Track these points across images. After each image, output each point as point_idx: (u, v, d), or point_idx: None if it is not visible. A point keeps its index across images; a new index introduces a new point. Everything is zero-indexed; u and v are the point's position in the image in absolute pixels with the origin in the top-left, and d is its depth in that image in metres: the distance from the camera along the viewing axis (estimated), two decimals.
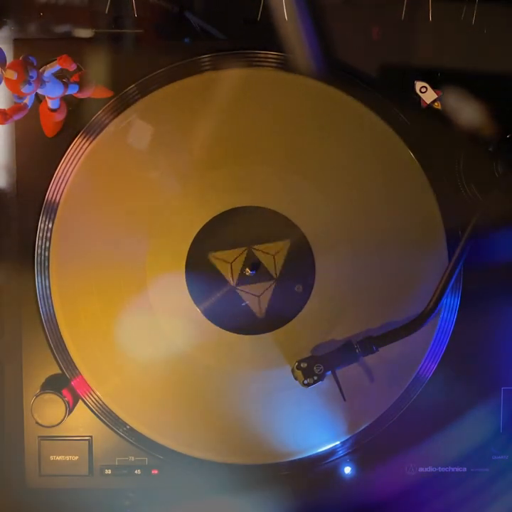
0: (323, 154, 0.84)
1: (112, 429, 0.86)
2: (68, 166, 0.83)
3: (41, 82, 0.69)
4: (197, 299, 0.84)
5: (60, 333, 0.84)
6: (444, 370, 0.85)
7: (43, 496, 0.98)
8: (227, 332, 0.84)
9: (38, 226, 0.84)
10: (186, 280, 0.84)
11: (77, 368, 0.85)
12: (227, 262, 0.83)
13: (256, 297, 0.84)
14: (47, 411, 0.82)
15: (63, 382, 0.84)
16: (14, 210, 0.88)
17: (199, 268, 0.83)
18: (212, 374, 0.85)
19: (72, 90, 0.76)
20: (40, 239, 0.84)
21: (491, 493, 0.98)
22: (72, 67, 0.71)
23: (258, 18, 0.88)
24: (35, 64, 0.67)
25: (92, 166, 0.84)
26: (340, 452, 0.86)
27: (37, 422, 0.83)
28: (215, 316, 0.84)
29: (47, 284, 0.84)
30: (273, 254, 0.84)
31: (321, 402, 0.84)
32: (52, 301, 0.84)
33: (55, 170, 0.84)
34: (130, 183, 0.84)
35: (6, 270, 0.91)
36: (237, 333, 0.84)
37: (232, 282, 0.84)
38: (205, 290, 0.84)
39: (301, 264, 0.84)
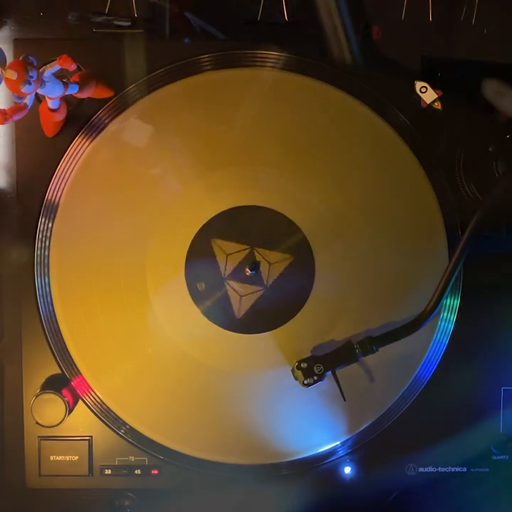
0: (323, 154, 0.84)
1: (111, 429, 0.86)
2: (68, 166, 0.83)
3: (41, 82, 0.69)
4: (197, 298, 0.84)
5: (60, 333, 0.84)
6: (444, 370, 0.85)
7: (43, 496, 0.98)
8: (228, 332, 0.84)
9: (38, 226, 0.84)
10: (186, 280, 0.84)
11: (77, 367, 0.85)
12: (225, 252, 0.83)
13: (239, 296, 0.84)
14: (47, 411, 0.82)
15: (63, 382, 0.84)
16: (14, 210, 0.88)
17: (200, 250, 0.83)
18: (212, 374, 0.85)
19: (72, 90, 0.76)
20: (40, 239, 0.84)
21: (491, 493, 0.98)
22: (72, 67, 0.71)
23: (258, 18, 0.88)
24: (35, 64, 0.67)
25: (92, 166, 0.84)
26: (340, 452, 0.87)
27: (37, 422, 0.83)
28: (214, 316, 0.84)
29: (47, 284, 0.84)
30: (272, 262, 0.84)
31: (321, 402, 0.85)
32: (52, 301, 0.84)
33: (55, 170, 0.84)
34: (130, 183, 0.84)
35: (6, 270, 0.91)
36: (237, 332, 0.84)
37: (223, 273, 0.84)
38: (198, 273, 0.84)
39: (294, 283, 0.84)
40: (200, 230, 0.83)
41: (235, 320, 0.84)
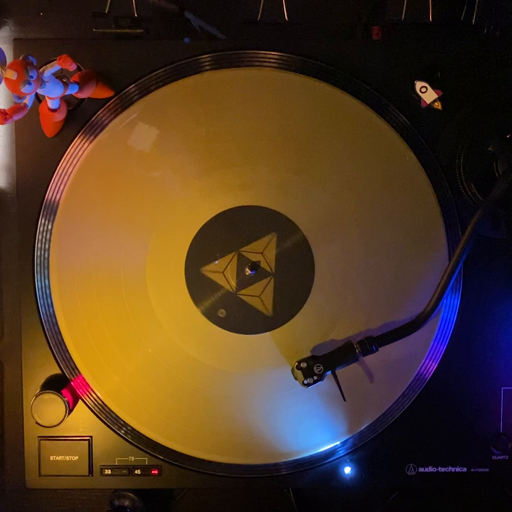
0: (323, 154, 0.84)
1: (111, 429, 0.86)
2: (68, 166, 0.83)
3: (41, 82, 0.69)
4: (197, 299, 0.84)
5: (60, 333, 0.85)
6: (444, 370, 0.86)
7: (43, 496, 0.98)
8: (227, 332, 0.84)
9: (38, 226, 0.84)
10: (186, 280, 0.84)
11: (77, 368, 0.85)
12: (220, 272, 0.84)
13: (257, 298, 0.84)
14: (47, 411, 0.82)
15: (63, 382, 0.84)
16: (14, 210, 0.88)
17: (198, 284, 0.84)
18: (212, 374, 0.85)
19: (72, 90, 0.76)
20: (40, 239, 0.84)
21: (491, 493, 0.98)
22: (72, 67, 0.71)
23: (258, 18, 0.88)
24: (35, 64, 0.67)
25: (92, 166, 0.84)
26: (340, 452, 0.86)
27: (37, 422, 0.82)
28: (214, 317, 0.84)
29: (47, 284, 0.84)
30: (261, 251, 0.84)
31: (321, 402, 0.85)
32: (52, 301, 0.84)
33: (55, 170, 0.84)
34: (130, 183, 0.84)
35: (6, 270, 0.92)
36: (237, 333, 0.84)
37: (232, 289, 0.84)
38: (211, 303, 0.84)
39: (293, 251, 0.84)
40: (185, 263, 0.83)
41: (270, 318, 0.84)
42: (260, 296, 0.84)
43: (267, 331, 0.84)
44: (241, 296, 0.84)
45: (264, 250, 0.84)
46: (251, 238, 0.84)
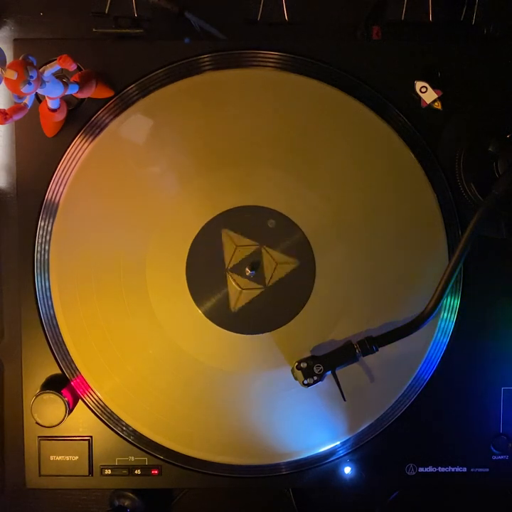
0: (323, 154, 0.84)
1: (111, 429, 0.86)
2: (68, 166, 0.83)
3: (41, 82, 0.69)
4: (197, 299, 0.84)
5: (60, 333, 0.85)
6: (444, 371, 0.86)
7: (43, 496, 0.98)
8: (228, 332, 0.84)
9: (38, 226, 0.84)
10: (187, 280, 0.84)
11: (77, 368, 0.85)
12: (235, 244, 0.83)
13: (239, 289, 0.84)
14: (47, 411, 0.82)
15: (63, 382, 0.84)
16: (14, 210, 0.88)
17: (208, 237, 0.83)
18: (212, 374, 0.85)
19: (72, 90, 0.76)
20: (40, 239, 0.84)
21: (491, 493, 0.98)
22: (72, 67, 0.71)
23: (258, 18, 0.88)
24: (35, 64, 0.67)
25: (92, 166, 0.84)
26: (340, 452, 0.86)
27: (37, 422, 0.82)
28: (214, 316, 0.84)
29: (47, 285, 0.84)
30: (277, 263, 0.84)
31: (321, 402, 0.85)
32: (52, 301, 0.84)
33: (55, 170, 0.84)
34: (130, 183, 0.84)
35: (6, 270, 0.92)
36: (237, 333, 0.84)
37: (227, 265, 0.84)
38: (202, 261, 0.84)
39: (293, 289, 0.84)
40: (213, 218, 0.83)
41: (229, 313, 0.84)
42: (242, 297, 0.84)
43: (267, 331, 0.84)
44: (245, 291, 0.84)
45: (265, 250, 0.84)
46: (251, 238, 0.84)
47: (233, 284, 0.84)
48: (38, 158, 0.84)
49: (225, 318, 0.84)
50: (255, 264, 0.84)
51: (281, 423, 0.85)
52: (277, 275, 0.84)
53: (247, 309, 0.84)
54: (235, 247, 0.84)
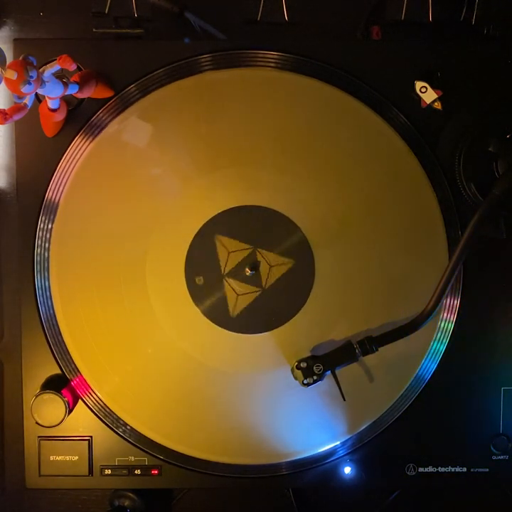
0: (322, 154, 0.84)
1: (111, 429, 0.86)
2: (68, 166, 0.83)
3: (41, 82, 0.69)
4: (197, 298, 0.84)
5: (60, 333, 0.85)
6: (444, 370, 0.85)
7: (43, 496, 0.98)
8: (228, 332, 0.84)
9: (38, 226, 0.84)
10: (186, 280, 0.84)
11: (77, 367, 0.85)
12: (228, 249, 0.84)
13: (235, 295, 0.84)
14: (47, 411, 0.82)
15: (63, 382, 0.84)
16: (14, 210, 0.88)
17: (202, 244, 0.83)
18: (212, 374, 0.85)
19: (72, 90, 0.76)
20: (40, 239, 0.84)
21: (491, 493, 0.98)
22: (72, 67, 0.71)
23: (258, 18, 0.88)
24: (35, 64, 0.67)
25: (92, 166, 0.84)
26: (340, 452, 0.86)
27: (37, 422, 0.82)
28: (214, 316, 0.84)
29: (47, 284, 0.84)
30: (272, 265, 0.84)
31: (321, 402, 0.85)
32: (52, 301, 0.84)
33: (55, 170, 0.84)
34: (130, 183, 0.84)
35: (6, 270, 0.92)
36: (237, 332, 0.84)
37: (223, 271, 0.84)
38: (198, 268, 0.84)
39: (291, 288, 0.84)
40: (204, 224, 0.83)
41: (229, 318, 0.84)
42: (240, 301, 0.84)
43: (267, 331, 0.84)
44: (241, 296, 0.84)
45: (265, 250, 0.84)
46: (251, 238, 0.84)
47: (230, 289, 0.84)
48: (38, 158, 0.84)
49: (224, 318, 0.84)
50: (255, 264, 0.84)
51: (281, 423, 0.85)
52: (273, 277, 0.84)
53: (247, 312, 0.84)
54: (227, 252, 0.84)
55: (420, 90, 0.82)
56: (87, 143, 0.83)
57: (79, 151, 0.83)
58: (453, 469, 0.87)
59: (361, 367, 0.84)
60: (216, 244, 0.84)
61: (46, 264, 0.84)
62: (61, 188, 0.84)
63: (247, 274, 0.84)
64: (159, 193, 0.84)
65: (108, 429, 0.86)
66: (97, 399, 0.85)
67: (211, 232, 0.83)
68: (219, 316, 0.84)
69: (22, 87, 0.66)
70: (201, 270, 0.84)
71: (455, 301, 0.85)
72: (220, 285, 0.84)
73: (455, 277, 0.80)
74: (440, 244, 0.84)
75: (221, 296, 0.84)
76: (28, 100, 0.70)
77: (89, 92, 0.80)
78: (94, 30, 0.86)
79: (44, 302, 0.84)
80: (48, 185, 0.84)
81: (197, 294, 0.84)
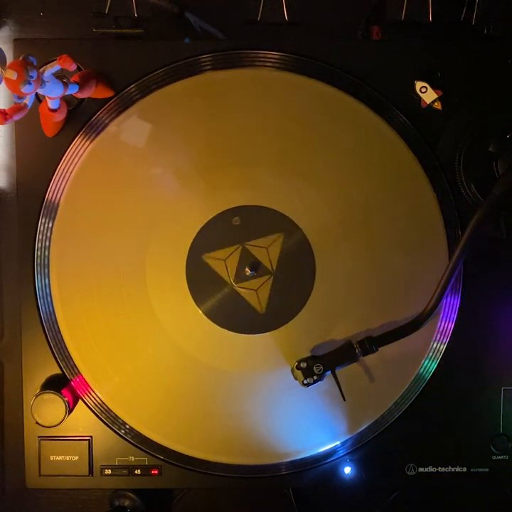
0: (323, 154, 0.84)
1: (111, 429, 0.86)
2: (68, 166, 0.83)
3: (41, 82, 0.69)
4: (197, 298, 0.84)
5: (60, 333, 0.85)
6: (444, 370, 0.85)
7: (43, 496, 0.99)
8: (227, 332, 0.84)
9: (38, 226, 0.84)
10: (187, 280, 0.84)
11: (77, 368, 0.85)
12: (221, 259, 0.84)
13: (253, 292, 0.84)
14: (47, 411, 0.82)
15: (63, 382, 0.84)
16: (14, 210, 0.88)
17: (197, 271, 0.84)
18: (212, 374, 0.85)
19: (72, 90, 0.76)
20: (40, 239, 0.84)
21: (491, 493, 0.98)
22: (72, 67, 0.71)
23: (258, 18, 0.88)
24: (35, 64, 0.67)
25: (92, 166, 0.84)
26: (340, 452, 0.86)
27: (37, 422, 0.82)
28: (215, 316, 0.84)
29: (47, 284, 0.84)
30: (266, 247, 0.84)
31: (321, 402, 0.85)
32: (52, 301, 0.84)
33: (55, 170, 0.84)
34: (130, 183, 0.84)
35: (6, 270, 0.92)
36: (237, 332, 0.84)
37: (230, 280, 0.84)
38: (206, 292, 0.84)
39: (297, 255, 0.84)
40: (190, 247, 0.83)
41: (261, 315, 0.84)
42: (261, 295, 0.84)
43: (267, 331, 0.84)
44: (242, 296, 0.84)
45: (265, 250, 0.84)
46: (251, 238, 0.84)
47: (246, 292, 0.84)
48: (38, 158, 0.84)
49: (225, 318, 0.84)
50: (253, 263, 0.84)
51: (281, 423, 0.85)
52: (274, 257, 0.84)
53: (273, 302, 0.84)
54: (223, 262, 0.84)
55: (420, 90, 0.82)
56: (87, 143, 0.83)
57: (79, 151, 0.83)
58: (453, 469, 0.87)
59: (361, 367, 0.84)
60: (208, 263, 0.84)
61: (46, 264, 0.84)
62: (61, 188, 0.84)
63: (248, 274, 0.84)
64: (159, 192, 0.84)
65: (108, 429, 0.86)
66: (97, 399, 0.85)
67: (198, 254, 0.84)
68: (220, 315, 0.84)
69: (22, 87, 0.66)
70: (217, 301, 0.84)
71: (455, 301, 0.85)
72: (236, 295, 0.84)
73: (455, 277, 0.80)
74: (440, 244, 0.84)
75: (242, 302, 0.84)
76: (28, 100, 0.70)
77: (89, 92, 0.80)
78: (94, 30, 0.86)
79: (44, 302, 0.84)
80: (48, 185, 0.84)
81: (198, 291, 0.84)
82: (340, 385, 0.82)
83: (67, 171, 0.83)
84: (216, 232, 0.84)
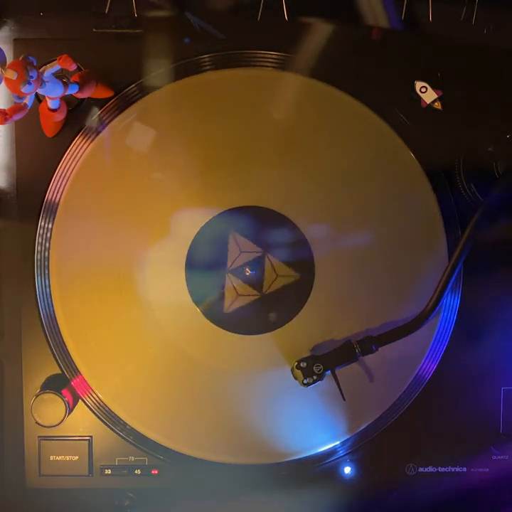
0: (323, 154, 0.84)
1: (111, 429, 0.86)
2: (68, 166, 0.83)
3: (41, 82, 0.69)
4: (197, 299, 0.84)
5: (60, 333, 0.85)
6: (444, 370, 0.85)
7: (43, 496, 0.98)
8: (227, 332, 0.84)
9: (38, 226, 0.84)
10: (186, 280, 0.84)
11: (77, 368, 0.85)
12: (240, 248, 0.83)
13: (235, 294, 0.84)
14: (47, 411, 0.82)
15: (63, 382, 0.84)
16: (14, 210, 0.88)
17: (198, 284, 0.83)
18: (212, 374, 0.85)
19: (72, 90, 0.76)
20: (40, 239, 0.84)
21: (491, 493, 0.98)
22: (72, 67, 0.71)
23: (258, 18, 0.88)
24: (35, 64, 0.67)
25: (92, 166, 0.84)
26: (340, 452, 0.87)
27: (37, 422, 0.83)
28: (215, 316, 0.84)
29: (47, 284, 0.84)
30: (277, 273, 0.84)
31: (321, 402, 0.84)
32: (52, 301, 0.84)
33: (55, 170, 0.84)
34: (130, 183, 0.84)
35: (6, 270, 0.91)
36: (237, 333, 0.84)
37: (228, 266, 0.84)
38: (202, 260, 0.84)
39: (290, 301, 0.84)
40: (189, 263, 0.83)
41: (222, 313, 0.84)
42: (261, 295, 0.84)
43: (267, 332, 0.84)
44: (242, 296, 0.84)
45: (268, 258, 0.84)
46: (251, 238, 0.84)
47: (231, 287, 0.84)
48: (38, 158, 0.84)
49: (225, 318, 0.84)
50: (255, 265, 0.84)
51: (281, 423, 0.85)
52: (276, 286, 0.84)
53: (240, 312, 0.84)
54: (239, 251, 0.83)
55: (420, 90, 0.82)
56: (87, 143, 0.83)
57: (79, 151, 0.83)
58: (453, 469, 0.87)
59: (361, 367, 0.84)
60: (229, 240, 0.83)
61: (46, 264, 0.84)
62: (61, 188, 0.84)
63: (247, 274, 0.83)
64: (159, 192, 0.84)
65: (108, 429, 0.86)
66: (97, 399, 0.85)
67: (196, 269, 0.83)
68: (219, 316, 0.84)
69: (22, 87, 0.66)
70: (206, 261, 0.83)
71: (455, 301, 0.85)
72: (222, 280, 0.84)
73: (455, 277, 0.80)
74: (440, 244, 0.84)
75: (220, 290, 0.84)
76: (28, 100, 0.70)
77: (89, 92, 0.80)
78: (94, 30, 0.86)
79: (44, 302, 0.84)
80: (48, 185, 0.84)
81: (197, 292, 0.84)
82: (340, 385, 0.82)
83: (67, 171, 0.83)
84: (209, 243, 0.83)
